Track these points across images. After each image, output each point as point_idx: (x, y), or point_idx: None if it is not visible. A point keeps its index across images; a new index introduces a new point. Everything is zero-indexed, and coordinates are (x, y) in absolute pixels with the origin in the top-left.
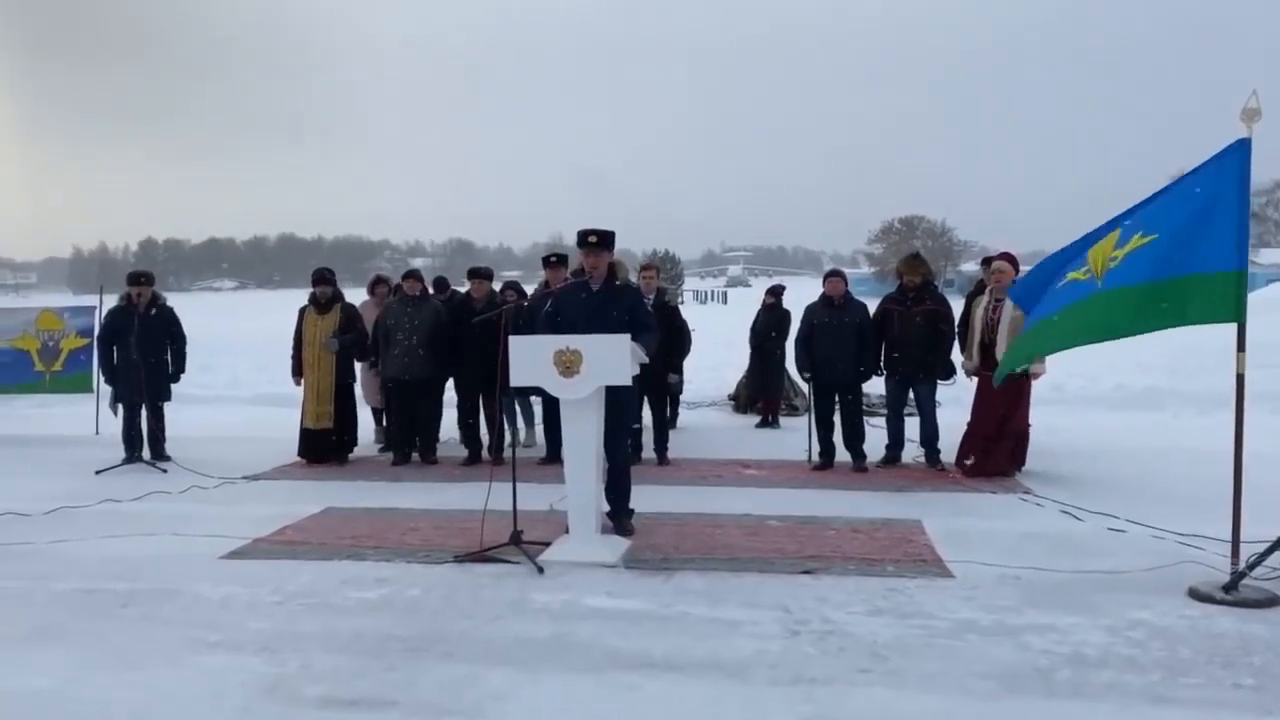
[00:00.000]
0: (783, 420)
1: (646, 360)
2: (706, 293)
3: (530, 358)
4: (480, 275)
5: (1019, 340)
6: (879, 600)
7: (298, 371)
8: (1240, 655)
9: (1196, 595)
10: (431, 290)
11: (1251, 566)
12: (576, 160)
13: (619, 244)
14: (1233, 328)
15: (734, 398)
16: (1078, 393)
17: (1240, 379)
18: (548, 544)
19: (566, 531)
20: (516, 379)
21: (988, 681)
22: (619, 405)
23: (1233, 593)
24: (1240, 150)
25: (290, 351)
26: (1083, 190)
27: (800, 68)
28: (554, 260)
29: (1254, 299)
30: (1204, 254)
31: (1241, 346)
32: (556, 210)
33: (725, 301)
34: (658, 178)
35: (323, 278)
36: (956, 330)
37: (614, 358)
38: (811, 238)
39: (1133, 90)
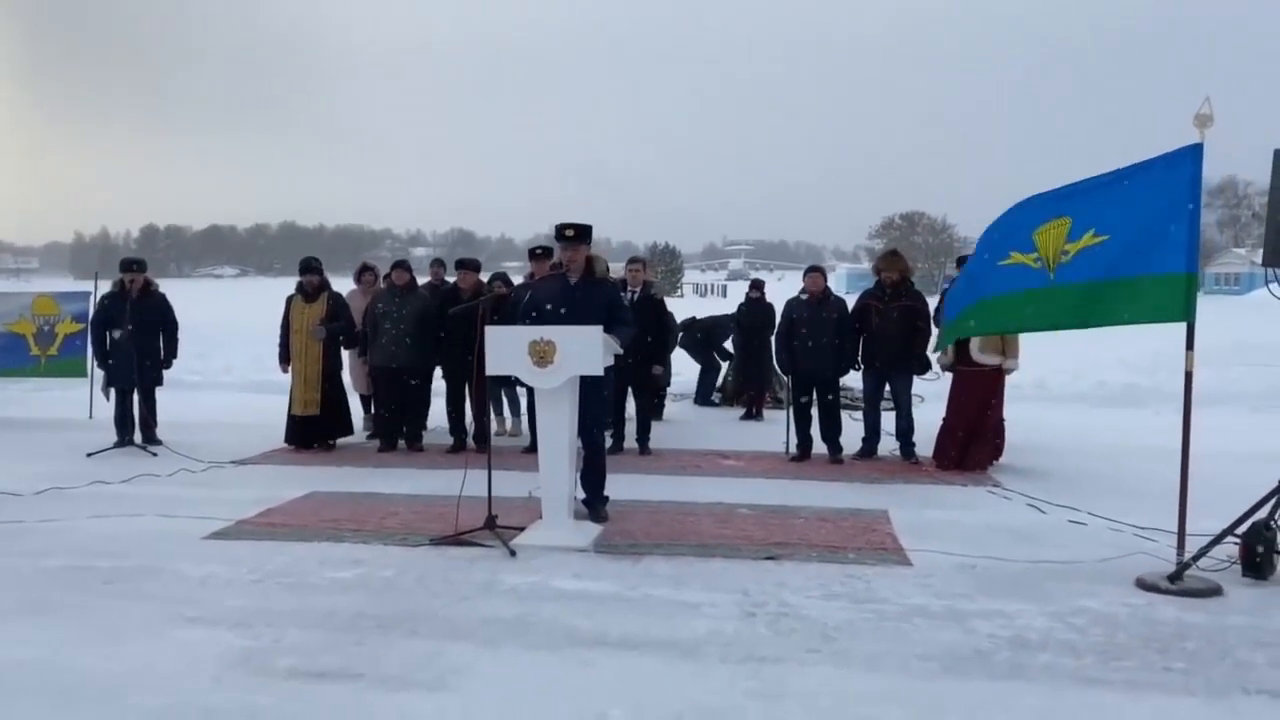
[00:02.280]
0: (766, 413)
1: (620, 351)
2: (706, 286)
3: (506, 347)
4: (467, 266)
5: (960, 314)
6: (836, 585)
7: (285, 359)
8: (1175, 641)
9: (1143, 585)
10: (437, 273)
11: (1196, 558)
12: (579, 153)
13: (620, 237)
14: (1227, 330)
15: (720, 389)
16: (1059, 389)
17: (1188, 377)
18: (522, 529)
19: (542, 517)
20: (492, 368)
21: (929, 662)
22: (595, 395)
23: (1177, 583)
24: (1193, 155)
25: (278, 340)
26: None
27: (802, 63)
28: (540, 252)
29: (1248, 300)
30: (1156, 256)
31: (1190, 345)
32: (558, 202)
33: (725, 295)
34: (660, 171)
35: (310, 266)
36: (933, 326)
37: (587, 349)
38: (813, 232)
39: (1134, 85)
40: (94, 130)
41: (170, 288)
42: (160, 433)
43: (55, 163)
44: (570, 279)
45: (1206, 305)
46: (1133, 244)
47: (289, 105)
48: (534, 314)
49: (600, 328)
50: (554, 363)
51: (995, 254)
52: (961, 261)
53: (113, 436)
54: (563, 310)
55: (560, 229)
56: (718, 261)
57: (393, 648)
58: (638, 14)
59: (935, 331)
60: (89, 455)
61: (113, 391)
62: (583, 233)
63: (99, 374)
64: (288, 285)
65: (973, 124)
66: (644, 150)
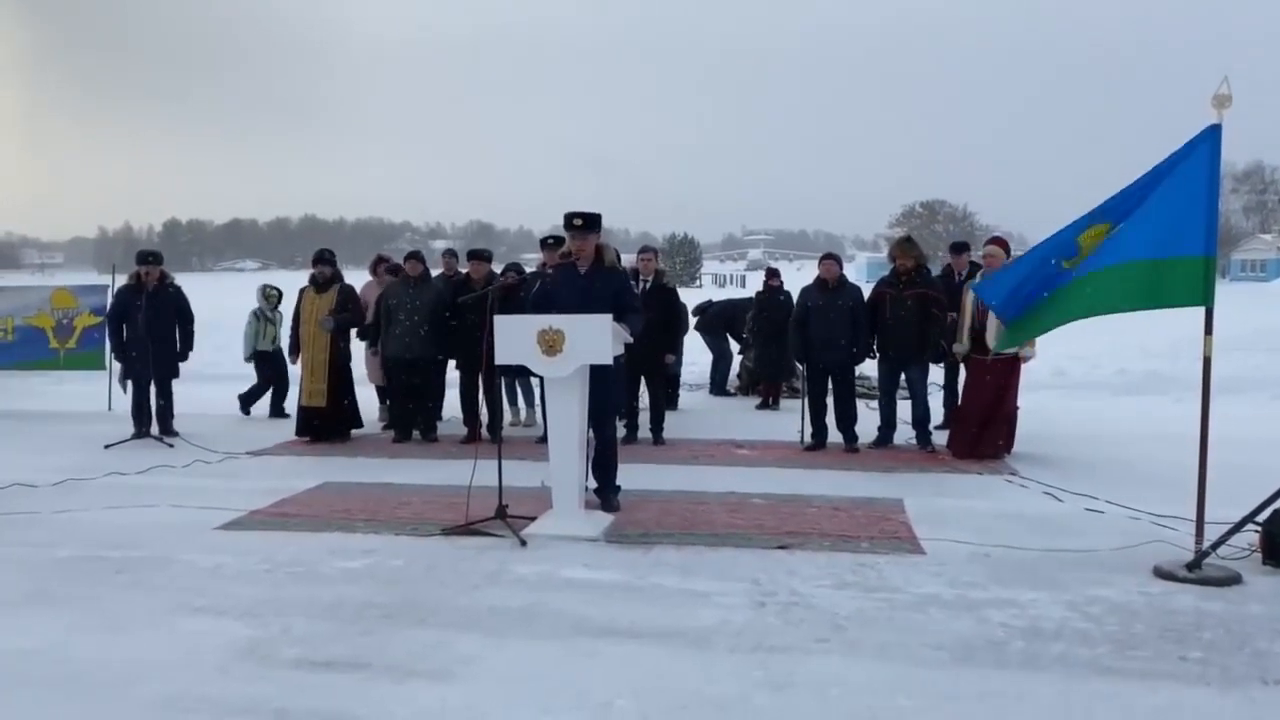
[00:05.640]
0: (783, 402)
1: (630, 340)
2: (725, 276)
3: (515, 337)
4: (478, 257)
5: (1017, 323)
6: (848, 575)
7: (295, 350)
8: (1192, 630)
9: (1160, 573)
10: (449, 264)
11: (1215, 546)
12: (597, 144)
13: (638, 228)
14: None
15: (739, 377)
16: (1080, 377)
17: (1207, 362)
18: (533, 518)
19: (553, 507)
20: (501, 357)
21: (940, 652)
22: (605, 385)
23: (1196, 571)
24: (1211, 137)
25: (289, 330)
26: (1101, 173)
27: (821, 53)
28: (551, 242)
29: (1273, 287)
30: (1174, 239)
31: (1209, 330)
32: (577, 194)
33: (744, 285)
34: (678, 162)
35: (321, 258)
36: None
37: (596, 337)
38: (833, 221)
39: (1157, 72)
40: (118, 126)
41: (191, 281)
42: (177, 424)
43: (80, 159)
44: (579, 268)
45: (1231, 292)
46: (1150, 226)
47: (310, 99)
48: (543, 303)
49: (609, 316)
50: (563, 352)
51: (1046, 268)
52: (956, 249)
53: (130, 428)
54: (572, 299)
55: (569, 218)
56: (737, 252)
57: (399, 637)
58: (656, 4)
59: (956, 321)
60: (106, 447)
61: (129, 384)
62: (591, 221)
63: (117, 366)
64: (306, 279)
65: (994, 112)
66: (662, 141)
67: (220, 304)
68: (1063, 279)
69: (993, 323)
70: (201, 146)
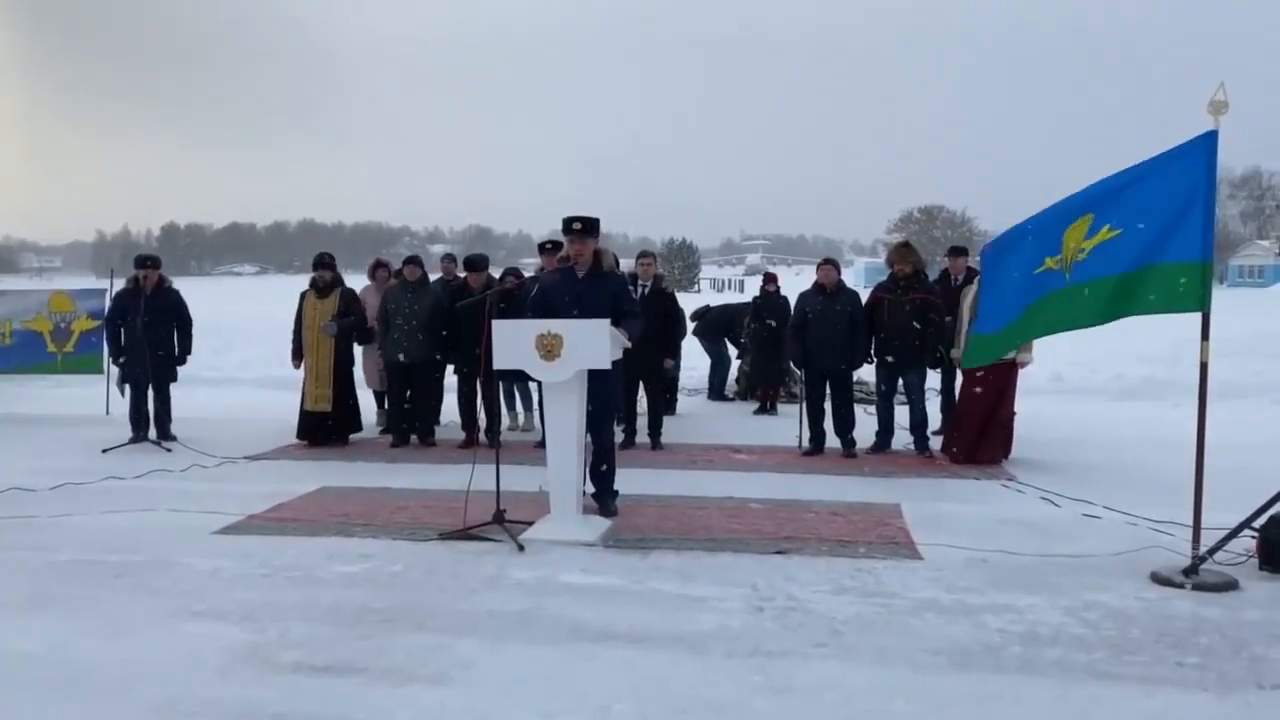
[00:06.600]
0: (780, 407)
1: (629, 345)
2: (724, 281)
3: (513, 341)
4: (475, 268)
5: (1005, 330)
6: (845, 580)
7: (297, 354)
8: (1189, 636)
9: (1157, 579)
10: (448, 268)
11: (1211, 552)
12: (595, 148)
13: (637, 232)
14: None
15: (736, 381)
16: (1077, 383)
17: (1204, 367)
18: (531, 523)
19: (551, 512)
20: (499, 362)
21: (938, 657)
22: (603, 389)
23: (1192, 577)
24: (1207, 143)
25: (291, 335)
26: (1101, 177)
27: (820, 57)
28: (549, 246)
29: (1271, 293)
30: (1171, 245)
31: (1205, 335)
32: (575, 198)
33: (742, 290)
34: (677, 166)
35: (323, 262)
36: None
37: (594, 342)
38: (831, 226)
39: (1156, 75)
40: (117, 129)
41: (190, 285)
42: (175, 428)
43: (78, 162)
44: (578, 272)
45: (1228, 297)
46: (1148, 234)
47: (308, 103)
48: (541, 307)
49: (607, 321)
50: (561, 356)
51: (1032, 263)
52: (954, 253)
53: (128, 433)
54: (570, 304)
55: (567, 222)
56: (735, 256)
57: (398, 642)
58: (655, 8)
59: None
60: (104, 451)
61: (127, 388)
62: (590, 225)
63: (115, 370)
64: (306, 282)
65: (992, 116)
66: (661, 145)
67: (219, 308)
68: (1054, 283)
69: (962, 338)
70: (200, 150)
